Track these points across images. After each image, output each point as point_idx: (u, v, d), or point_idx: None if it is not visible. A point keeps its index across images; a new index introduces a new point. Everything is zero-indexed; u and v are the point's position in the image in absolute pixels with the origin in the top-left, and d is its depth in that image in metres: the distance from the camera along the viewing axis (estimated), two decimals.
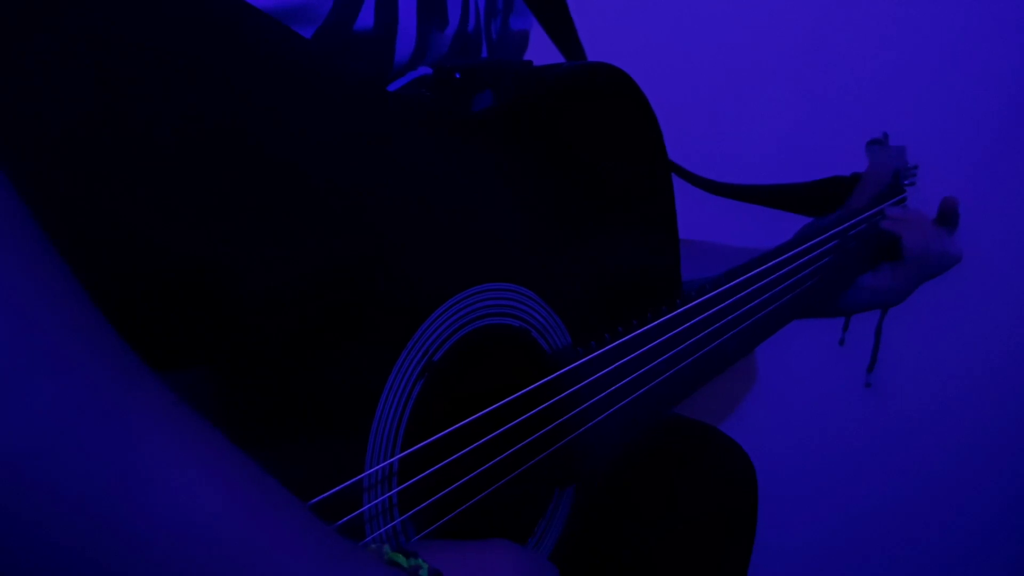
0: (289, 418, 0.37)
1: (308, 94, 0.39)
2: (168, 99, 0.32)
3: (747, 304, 0.69)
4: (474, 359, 0.48)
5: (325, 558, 0.31)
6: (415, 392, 0.43)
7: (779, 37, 1.19)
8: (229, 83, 0.35)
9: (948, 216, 0.94)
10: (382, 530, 0.41)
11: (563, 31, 0.62)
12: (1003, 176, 1.39)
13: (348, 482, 0.39)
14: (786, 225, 0.88)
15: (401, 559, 0.36)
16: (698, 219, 0.71)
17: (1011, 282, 1.43)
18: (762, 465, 0.67)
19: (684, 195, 0.64)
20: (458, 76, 0.51)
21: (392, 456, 0.42)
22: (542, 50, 0.64)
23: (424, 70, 0.50)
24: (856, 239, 0.86)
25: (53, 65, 0.29)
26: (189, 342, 0.34)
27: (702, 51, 1.12)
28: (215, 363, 0.35)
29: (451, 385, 0.46)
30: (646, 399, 0.57)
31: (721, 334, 0.65)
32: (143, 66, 0.32)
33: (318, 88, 0.39)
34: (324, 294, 0.38)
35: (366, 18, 0.47)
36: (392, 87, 0.49)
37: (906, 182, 1.07)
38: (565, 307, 0.53)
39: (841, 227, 0.83)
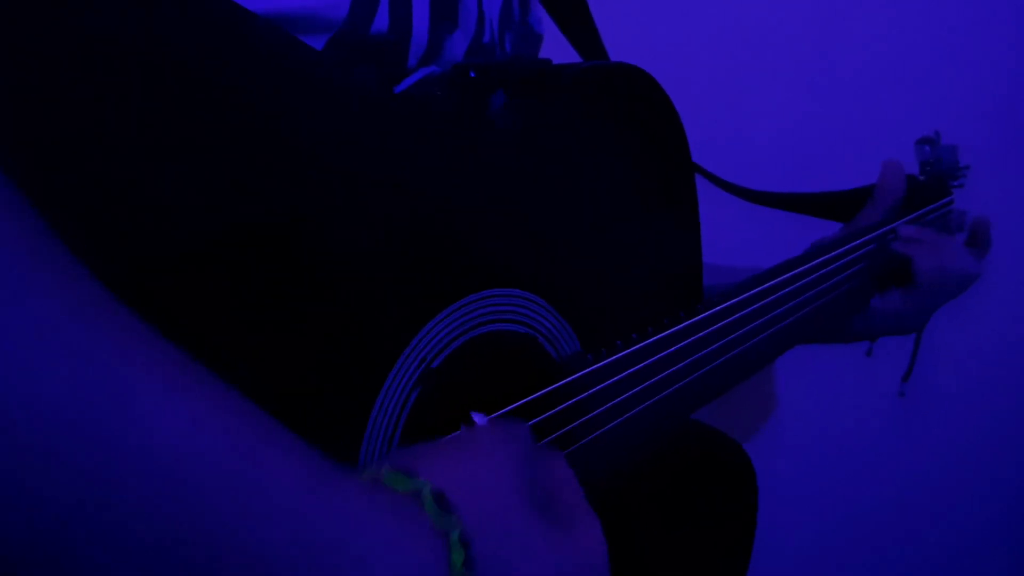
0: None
1: (310, 95, 0.38)
2: (167, 103, 0.32)
3: (774, 310, 0.67)
4: (476, 366, 0.47)
5: (309, 483, 0.30)
6: (411, 400, 0.43)
7: (795, 38, 1.17)
8: (228, 88, 0.34)
9: (979, 237, 0.87)
10: None
11: (584, 35, 0.61)
12: None
13: None
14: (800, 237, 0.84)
15: (401, 480, 0.33)
16: (718, 228, 0.69)
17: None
18: (775, 465, 0.66)
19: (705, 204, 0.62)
20: (472, 74, 0.50)
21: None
22: (556, 48, 0.62)
23: (431, 68, 0.49)
24: (865, 259, 0.80)
25: (52, 67, 0.29)
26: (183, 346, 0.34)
27: (716, 52, 1.10)
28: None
29: (450, 393, 0.45)
30: (659, 408, 0.56)
31: (743, 342, 0.63)
32: (139, 70, 0.31)
33: (321, 89, 0.39)
34: (316, 296, 0.38)
35: (381, 22, 0.47)
36: (399, 87, 0.48)
37: (954, 183, 1.03)
38: (576, 314, 0.52)
39: (850, 245, 0.78)
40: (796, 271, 0.69)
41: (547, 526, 0.37)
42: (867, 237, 0.81)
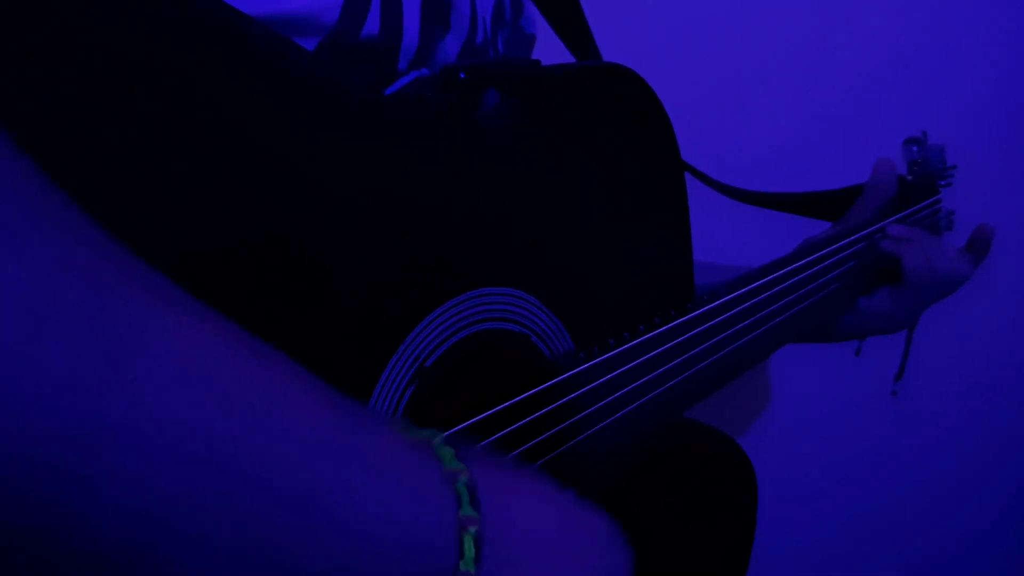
0: None
1: (307, 96, 0.39)
2: (166, 105, 0.32)
3: (765, 309, 0.67)
4: (469, 365, 0.47)
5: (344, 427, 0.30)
6: (405, 398, 0.43)
7: (789, 36, 1.18)
8: (226, 88, 0.34)
9: (978, 244, 0.86)
10: None
11: (577, 34, 0.61)
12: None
13: None
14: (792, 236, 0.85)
15: (447, 456, 0.33)
16: (708, 226, 0.69)
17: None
18: (766, 465, 0.66)
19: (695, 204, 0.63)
20: (463, 76, 0.51)
21: None
22: (550, 49, 0.63)
23: (422, 71, 0.50)
24: (855, 258, 0.81)
25: (51, 68, 0.29)
26: None
27: (706, 52, 1.11)
28: None
29: (444, 391, 0.46)
30: (650, 407, 0.56)
31: (734, 340, 0.64)
32: (137, 72, 0.31)
33: (318, 90, 0.39)
34: (311, 295, 0.38)
35: (372, 25, 0.47)
36: (389, 90, 0.48)
37: (942, 183, 1.04)
38: (569, 313, 0.53)
39: (840, 244, 0.78)
40: (786, 269, 0.70)
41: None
42: (857, 236, 0.81)
